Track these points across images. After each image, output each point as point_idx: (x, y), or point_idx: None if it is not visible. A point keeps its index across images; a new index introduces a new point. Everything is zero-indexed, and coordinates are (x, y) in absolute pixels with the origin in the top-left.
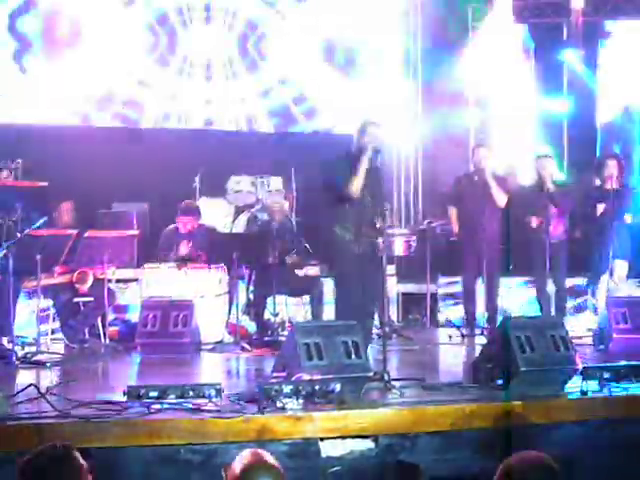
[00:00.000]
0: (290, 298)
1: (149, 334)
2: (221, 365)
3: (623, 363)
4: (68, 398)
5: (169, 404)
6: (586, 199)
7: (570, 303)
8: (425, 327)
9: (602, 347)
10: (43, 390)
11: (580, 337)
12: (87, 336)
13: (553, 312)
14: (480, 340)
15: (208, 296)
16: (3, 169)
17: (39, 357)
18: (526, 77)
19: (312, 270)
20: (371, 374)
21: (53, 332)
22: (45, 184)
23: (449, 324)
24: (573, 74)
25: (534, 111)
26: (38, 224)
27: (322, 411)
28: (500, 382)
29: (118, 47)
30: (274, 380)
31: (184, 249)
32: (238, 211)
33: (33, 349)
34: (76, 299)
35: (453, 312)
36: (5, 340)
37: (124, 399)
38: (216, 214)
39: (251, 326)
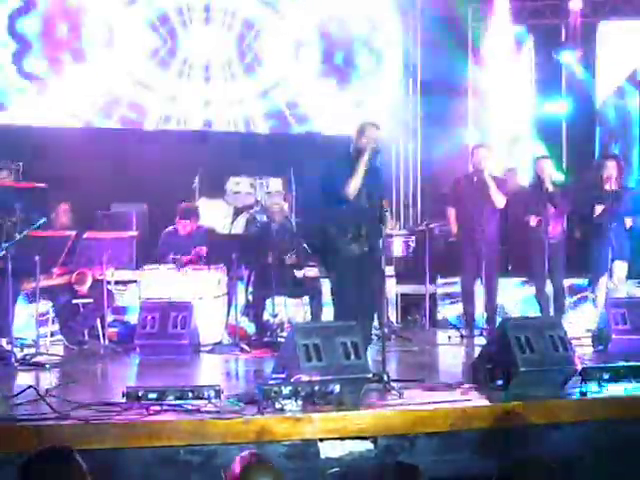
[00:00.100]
0: (289, 299)
1: (148, 335)
2: (220, 366)
3: (622, 364)
4: (67, 400)
5: (168, 405)
6: (585, 200)
7: (569, 300)
8: (424, 328)
9: (601, 348)
10: (42, 392)
11: (579, 338)
12: (86, 337)
13: (552, 312)
14: (479, 341)
15: (207, 297)
16: (3, 169)
17: (38, 359)
18: (524, 78)
19: (311, 271)
20: (370, 375)
21: (52, 334)
22: (44, 185)
23: (448, 325)
24: (571, 75)
25: (533, 112)
26: (37, 225)
27: (321, 412)
28: (499, 383)
29: (119, 48)
30: (273, 381)
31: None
32: (237, 212)
33: (32, 351)
34: (75, 300)
35: (450, 310)
36: (4, 341)
37: (123, 400)
38: (215, 215)
39: (250, 327)
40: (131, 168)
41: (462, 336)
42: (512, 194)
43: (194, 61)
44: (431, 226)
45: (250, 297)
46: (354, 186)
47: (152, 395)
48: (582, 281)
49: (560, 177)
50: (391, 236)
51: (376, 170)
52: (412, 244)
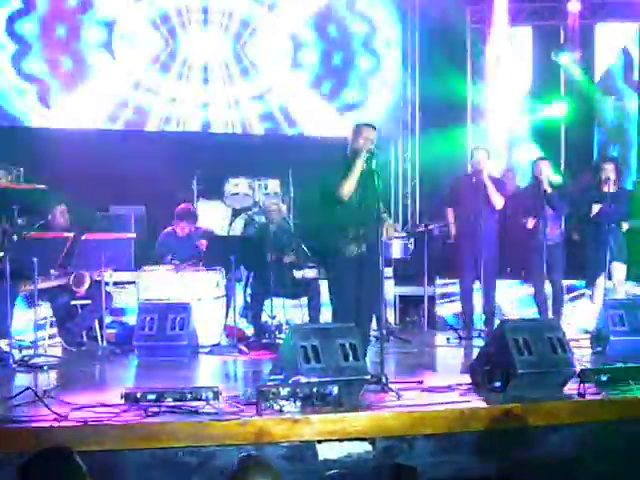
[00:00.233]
0: (288, 300)
1: (146, 337)
2: (219, 368)
3: (620, 365)
4: (66, 401)
5: (167, 407)
6: (583, 201)
7: (566, 297)
8: (423, 329)
9: (599, 349)
10: (40, 393)
11: (577, 339)
12: (85, 339)
13: (550, 314)
14: (478, 342)
15: (205, 299)
16: (1, 170)
17: (36, 360)
18: (523, 79)
19: (309, 272)
20: (369, 377)
21: (50, 337)
22: (43, 187)
23: (446, 326)
24: (570, 77)
25: (531, 113)
26: (35, 227)
27: (320, 414)
28: (498, 384)
29: (119, 50)
30: (272, 383)
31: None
32: (235, 214)
33: (30, 352)
34: (73, 302)
35: (447, 309)
36: (3, 343)
37: (122, 402)
38: (214, 217)
39: (249, 329)
40: (129, 170)
41: (460, 337)
42: (510, 195)
43: (193, 63)
44: (430, 227)
45: (248, 298)
46: (348, 187)
47: (151, 397)
48: (580, 282)
49: (558, 179)
50: (390, 238)
51: (373, 171)
52: (411, 245)
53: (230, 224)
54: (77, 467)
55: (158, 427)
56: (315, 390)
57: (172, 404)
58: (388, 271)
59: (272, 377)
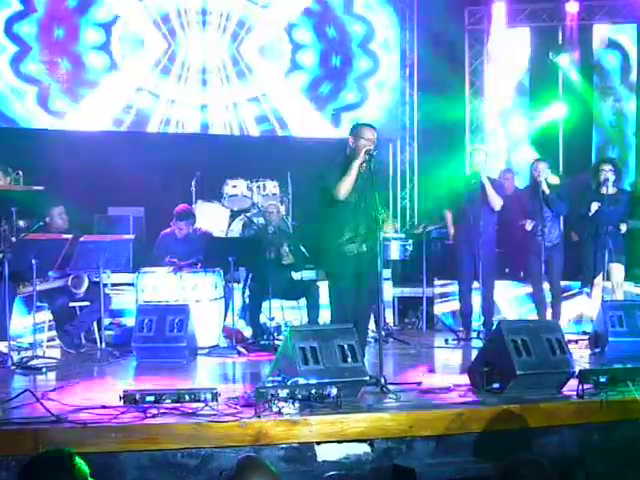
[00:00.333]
0: (286, 302)
1: (145, 339)
2: (217, 369)
3: (619, 366)
4: (64, 403)
5: (165, 409)
6: (582, 203)
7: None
8: (421, 331)
9: (598, 350)
10: (39, 395)
11: (576, 341)
12: (83, 341)
13: (549, 315)
14: (476, 343)
15: (204, 300)
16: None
17: (35, 362)
18: (522, 81)
19: (308, 274)
20: (367, 378)
21: (49, 340)
22: (41, 188)
23: (443, 325)
24: (568, 78)
25: (530, 115)
26: (34, 228)
27: (318, 415)
28: (496, 386)
29: (118, 52)
30: (270, 384)
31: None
32: (234, 215)
33: (29, 354)
34: (72, 303)
35: (444, 307)
36: (2, 345)
37: (120, 404)
38: (212, 218)
39: (247, 330)
40: (128, 172)
41: (459, 339)
42: (509, 197)
43: (192, 64)
44: (428, 229)
45: (247, 300)
46: (345, 187)
47: (149, 398)
48: (576, 284)
49: (556, 180)
50: (389, 239)
51: (372, 172)
52: (409, 247)
53: (229, 225)
54: (79, 469)
55: (156, 429)
56: (314, 391)
57: (171, 406)
58: (387, 272)
59: (271, 378)
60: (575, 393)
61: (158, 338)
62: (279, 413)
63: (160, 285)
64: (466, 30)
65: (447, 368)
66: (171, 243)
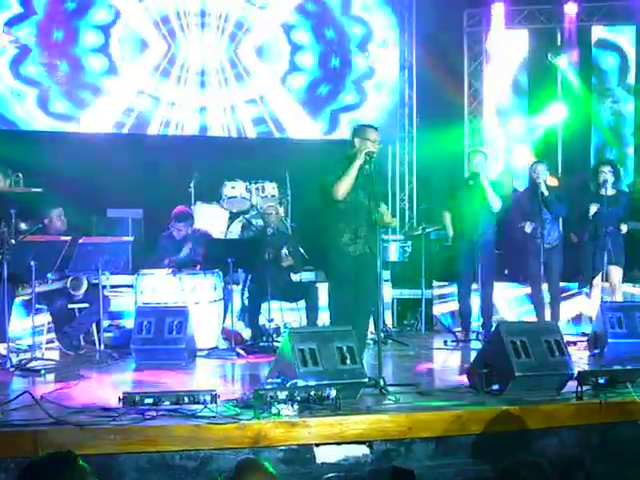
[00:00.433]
0: (285, 304)
1: (144, 340)
2: (216, 371)
3: (618, 368)
4: (63, 405)
5: (164, 410)
6: (581, 204)
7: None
8: (420, 332)
9: (597, 352)
10: (38, 397)
11: (575, 342)
12: (82, 343)
13: (548, 317)
14: (475, 345)
15: (203, 302)
16: None
17: (34, 364)
18: (520, 82)
19: (307, 275)
20: (366, 380)
21: (48, 343)
22: (40, 190)
23: (441, 325)
24: (567, 80)
25: (530, 116)
26: (32, 230)
27: (317, 417)
28: (495, 387)
29: (119, 54)
30: (269, 386)
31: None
32: (233, 217)
33: (28, 356)
34: (71, 305)
35: (442, 307)
36: (0, 347)
37: (119, 406)
38: (212, 220)
39: (246, 332)
40: (127, 174)
41: (458, 340)
42: (508, 198)
43: (191, 66)
44: (427, 230)
45: (246, 302)
46: (344, 188)
47: (148, 400)
48: (574, 285)
49: (555, 182)
50: (387, 241)
51: (372, 172)
52: (408, 248)
53: (228, 227)
54: (81, 472)
55: (155, 431)
56: (313, 393)
57: (169, 408)
58: (386, 274)
59: (270, 380)
60: (574, 394)
61: (157, 340)
62: (278, 415)
63: (159, 287)
64: (465, 32)
65: (446, 369)
66: (170, 245)
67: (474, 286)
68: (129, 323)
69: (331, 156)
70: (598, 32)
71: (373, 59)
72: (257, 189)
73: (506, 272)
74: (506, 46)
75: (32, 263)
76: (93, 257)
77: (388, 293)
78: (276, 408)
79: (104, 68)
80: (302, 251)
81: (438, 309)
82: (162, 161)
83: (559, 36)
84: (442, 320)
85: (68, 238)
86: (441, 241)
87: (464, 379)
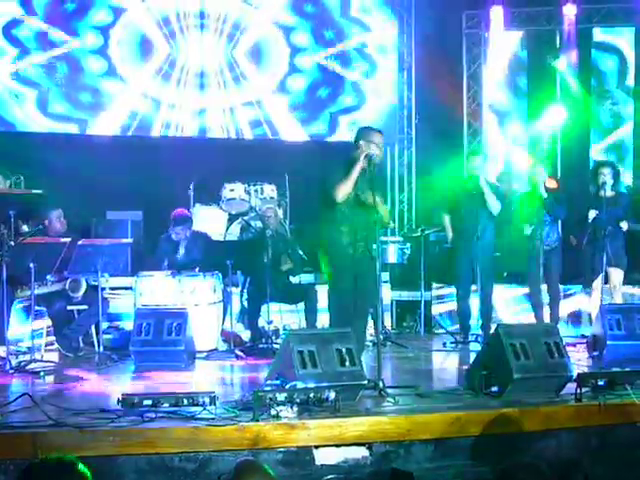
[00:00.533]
0: (284, 305)
1: (143, 342)
2: (215, 373)
3: (617, 370)
4: (62, 407)
5: (163, 412)
6: (580, 206)
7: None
8: (419, 334)
9: (596, 354)
10: (37, 399)
11: (574, 344)
12: (81, 344)
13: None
14: (474, 347)
15: (202, 304)
16: None
17: (33, 366)
18: (519, 84)
19: (306, 277)
20: (365, 382)
21: (47, 345)
22: (39, 192)
23: (443, 330)
24: (566, 81)
25: (529, 119)
26: (32, 232)
27: (317, 419)
28: (494, 389)
29: (119, 55)
30: (268, 388)
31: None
32: (232, 219)
33: (27, 358)
34: (70, 307)
35: (440, 307)
36: (0, 349)
37: (118, 407)
38: (211, 222)
39: (245, 334)
40: (126, 176)
41: (457, 342)
42: (507, 201)
43: (190, 68)
44: (426, 232)
45: (245, 303)
46: (344, 190)
47: (147, 402)
48: (572, 287)
49: (554, 184)
50: (387, 242)
51: (373, 174)
52: (407, 250)
53: (227, 229)
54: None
55: (154, 433)
56: (312, 395)
57: (168, 409)
58: (385, 276)
59: (269, 382)
60: (573, 396)
61: (156, 342)
62: (277, 417)
63: (158, 289)
64: (464, 33)
65: (445, 371)
66: (169, 247)
67: (473, 287)
68: (128, 325)
69: (331, 158)
70: (597, 34)
71: (372, 61)
72: (256, 191)
73: (505, 274)
74: (505, 47)
75: (31, 265)
76: (92, 259)
77: (387, 295)
78: (275, 410)
79: (103, 69)
80: (301, 253)
81: (436, 309)
82: (161, 163)
83: (558, 38)
84: (441, 323)
85: (67, 240)
86: (440, 243)
87: (463, 381)
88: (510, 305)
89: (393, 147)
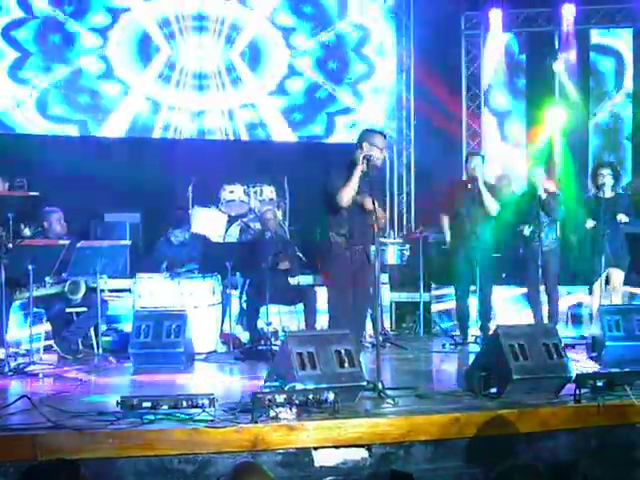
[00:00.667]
0: (283, 307)
1: (142, 344)
2: (214, 375)
3: (616, 371)
4: (61, 409)
5: (162, 414)
6: (580, 207)
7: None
8: (418, 335)
9: (595, 355)
10: (36, 401)
11: (574, 345)
12: (80, 347)
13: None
14: (473, 348)
15: (201, 306)
16: None
17: (32, 368)
18: (518, 85)
19: (305, 279)
20: (365, 383)
21: (46, 347)
22: (37, 194)
23: (442, 331)
24: (565, 82)
25: (527, 119)
26: (30, 234)
27: (316, 420)
28: (493, 390)
29: (118, 56)
30: (267, 389)
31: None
32: (231, 220)
33: (26, 360)
34: (69, 309)
35: (439, 307)
36: None
37: (117, 410)
38: (210, 223)
39: (244, 335)
40: (125, 178)
41: (456, 343)
42: (506, 201)
43: (189, 70)
44: (425, 234)
45: (244, 305)
46: (348, 194)
47: (146, 404)
48: (572, 288)
49: (553, 185)
50: (386, 244)
51: (373, 177)
52: (406, 252)
53: (226, 231)
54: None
55: (153, 435)
56: (311, 397)
57: (168, 411)
58: (384, 277)
59: (268, 384)
60: (572, 397)
61: (155, 344)
62: (276, 418)
63: (157, 291)
64: (462, 35)
65: (444, 373)
66: (167, 249)
67: (472, 288)
68: (127, 327)
69: (329, 160)
70: (595, 36)
71: (371, 62)
72: (255, 192)
73: (504, 275)
74: (504, 49)
75: (30, 267)
76: (91, 261)
77: (386, 296)
78: (274, 411)
79: (102, 71)
80: (300, 254)
81: (435, 308)
82: (160, 165)
83: (557, 39)
84: (440, 324)
85: (66, 242)
86: (439, 244)
87: (462, 382)
88: (508, 304)
89: (392, 148)
